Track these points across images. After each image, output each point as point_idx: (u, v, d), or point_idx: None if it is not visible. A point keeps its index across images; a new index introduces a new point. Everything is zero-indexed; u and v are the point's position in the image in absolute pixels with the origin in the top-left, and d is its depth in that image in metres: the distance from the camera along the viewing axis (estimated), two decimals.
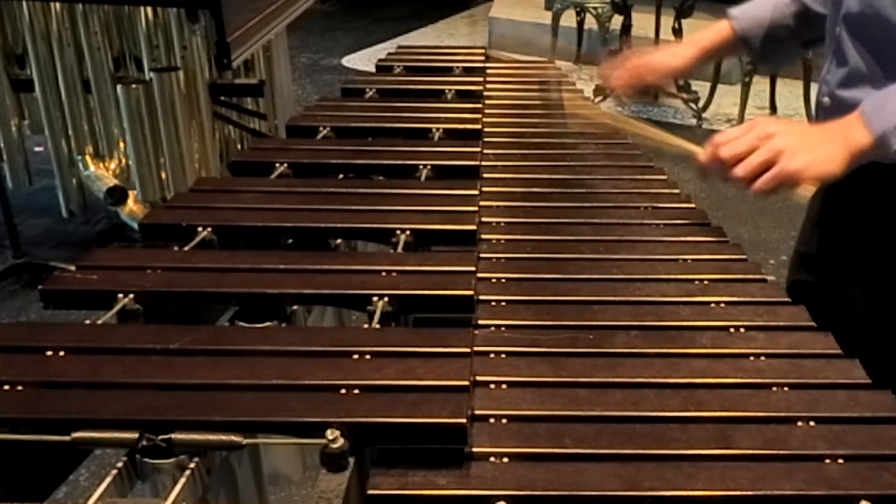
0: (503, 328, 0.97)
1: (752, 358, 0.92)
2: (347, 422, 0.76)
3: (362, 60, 5.86)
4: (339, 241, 1.21)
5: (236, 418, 0.77)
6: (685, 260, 1.15)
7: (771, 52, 1.47)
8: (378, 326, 0.96)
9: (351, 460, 0.77)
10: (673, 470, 0.75)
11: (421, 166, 1.38)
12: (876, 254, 1.28)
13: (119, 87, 2.61)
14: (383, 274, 1.05)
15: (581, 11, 5.29)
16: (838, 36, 1.25)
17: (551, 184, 1.40)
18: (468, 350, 0.87)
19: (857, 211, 1.32)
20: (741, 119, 4.50)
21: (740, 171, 1.12)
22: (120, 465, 0.75)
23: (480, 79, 1.89)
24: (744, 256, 1.16)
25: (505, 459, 0.76)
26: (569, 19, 5.36)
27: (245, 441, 0.76)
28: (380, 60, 2.07)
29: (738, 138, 1.13)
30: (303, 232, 1.20)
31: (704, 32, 1.52)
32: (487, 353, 0.92)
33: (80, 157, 2.83)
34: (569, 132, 1.64)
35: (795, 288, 1.46)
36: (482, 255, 1.14)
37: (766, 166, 1.10)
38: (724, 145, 1.14)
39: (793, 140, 1.11)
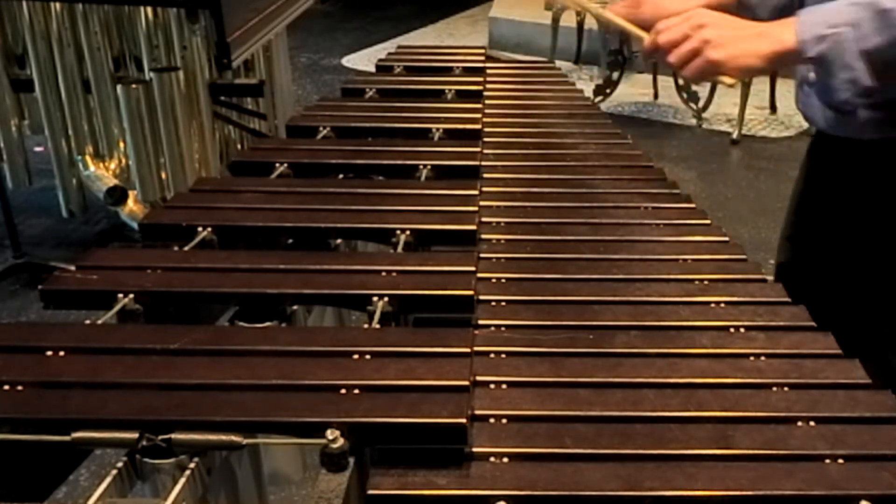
0: (503, 328, 0.97)
1: (752, 358, 0.92)
2: (347, 422, 0.76)
3: (362, 60, 5.86)
4: (339, 241, 1.21)
5: (236, 418, 0.77)
6: (685, 260, 1.15)
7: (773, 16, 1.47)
8: (378, 326, 0.96)
9: (351, 460, 0.77)
10: (673, 470, 0.75)
11: (421, 166, 1.38)
12: (854, 233, 1.33)
13: (119, 87, 2.61)
14: (383, 274, 1.05)
15: (581, 11, 5.28)
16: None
17: (551, 184, 1.40)
18: (468, 350, 0.87)
19: (836, 191, 1.35)
20: (741, 119, 4.50)
21: (672, 57, 1.19)
22: (120, 465, 0.75)
23: (480, 79, 1.89)
24: (744, 256, 1.16)
25: (505, 459, 0.76)
26: (569, 19, 5.36)
27: (245, 441, 0.76)
28: (380, 60, 2.07)
29: (675, 26, 1.19)
30: (303, 232, 1.20)
31: None
32: (487, 353, 0.91)
33: (80, 157, 2.83)
34: (569, 132, 1.64)
35: (781, 271, 1.50)
36: (482, 255, 1.14)
37: (695, 54, 1.16)
38: (663, 32, 1.21)
39: (721, 32, 1.16)
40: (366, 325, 0.96)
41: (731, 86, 1.20)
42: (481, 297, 1.03)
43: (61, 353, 0.87)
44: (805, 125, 1.69)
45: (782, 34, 1.14)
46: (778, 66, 1.18)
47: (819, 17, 1.12)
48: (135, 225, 2.78)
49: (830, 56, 1.11)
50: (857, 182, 1.30)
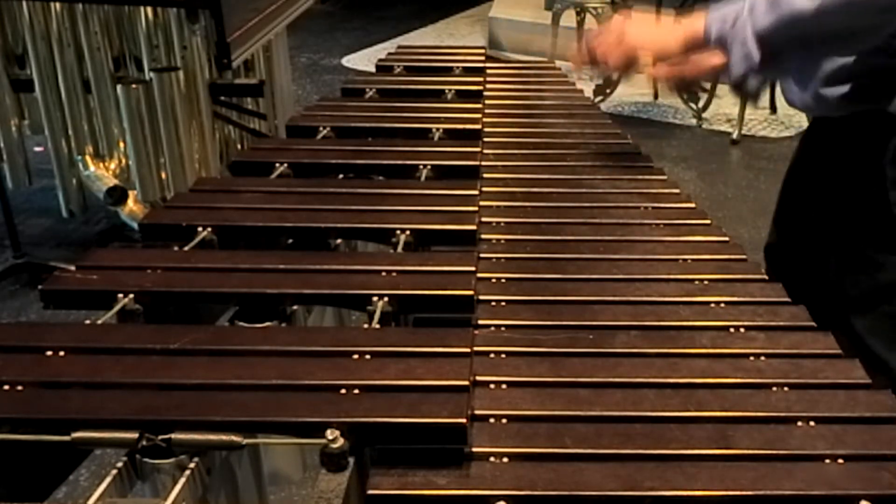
0: (503, 328, 0.97)
1: (752, 358, 0.92)
2: (347, 422, 0.76)
3: (362, 60, 5.86)
4: (339, 241, 1.21)
5: (236, 418, 0.77)
6: (685, 260, 1.15)
7: None
8: (378, 326, 0.96)
9: (351, 460, 0.77)
10: (673, 470, 0.75)
11: (421, 166, 1.38)
12: (831, 205, 1.37)
13: (119, 87, 2.61)
14: (383, 274, 1.05)
15: (581, 11, 5.28)
16: None
17: (551, 184, 1.39)
18: (468, 350, 0.87)
19: (816, 170, 1.41)
20: (741, 119, 4.50)
21: (599, 52, 1.35)
22: (120, 465, 0.75)
23: (480, 79, 1.89)
24: (744, 256, 1.16)
25: (505, 459, 0.76)
26: (569, 19, 5.36)
27: (245, 441, 0.76)
28: (380, 60, 2.06)
29: (601, 31, 1.37)
30: (303, 232, 1.20)
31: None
32: (487, 353, 0.91)
33: (80, 157, 2.83)
34: (569, 132, 1.64)
35: (769, 251, 1.55)
36: (482, 255, 1.14)
37: (617, 43, 1.32)
38: (591, 39, 1.37)
39: (640, 25, 1.34)
40: (366, 325, 0.96)
41: (647, 69, 1.32)
42: (481, 297, 1.03)
43: (61, 353, 0.87)
44: (805, 125, 1.71)
45: (694, 22, 1.27)
46: (690, 48, 1.27)
47: (725, 7, 1.24)
48: (135, 225, 2.78)
49: (729, 36, 1.22)
50: (835, 157, 1.36)
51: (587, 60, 1.38)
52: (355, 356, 0.86)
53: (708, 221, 1.26)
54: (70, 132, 2.75)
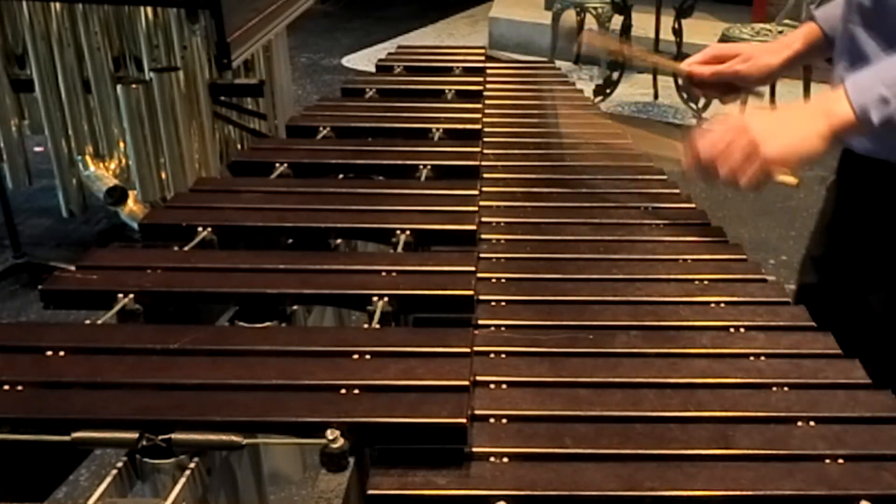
0: (503, 328, 0.97)
1: (752, 358, 0.92)
2: (347, 422, 0.76)
3: (362, 60, 5.86)
4: (339, 241, 1.21)
5: (236, 418, 0.77)
6: (685, 260, 1.15)
7: None
8: (378, 326, 0.96)
9: (351, 460, 0.77)
10: (673, 470, 0.75)
11: (421, 166, 1.38)
12: (891, 256, 1.26)
13: (119, 87, 2.61)
14: (383, 274, 1.05)
15: (581, 11, 5.28)
16: (852, 32, 1.23)
17: (551, 184, 1.39)
18: (468, 350, 0.87)
19: (872, 212, 1.30)
20: None
21: (725, 170, 1.08)
22: (120, 465, 0.75)
23: (480, 79, 1.89)
24: (744, 256, 1.16)
25: (505, 459, 0.76)
26: (568, 20, 5.36)
27: (245, 441, 0.76)
28: (380, 60, 2.07)
29: (713, 137, 1.10)
30: (303, 232, 1.20)
31: (793, 34, 1.45)
32: (487, 353, 0.91)
33: (80, 157, 2.83)
34: (569, 132, 1.63)
35: (804, 291, 1.45)
36: (482, 255, 1.14)
37: (748, 160, 1.07)
38: (703, 148, 1.11)
39: (768, 125, 1.08)
40: (366, 325, 0.96)
41: (797, 185, 1.10)
42: (481, 297, 1.03)
43: (61, 353, 0.87)
44: None
45: (835, 107, 1.05)
46: (839, 142, 1.09)
47: (871, 79, 1.05)
48: (135, 225, 2.78)
49: None
50: (879, 199, 1.25)
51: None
52: (355, 356, 0.86)
53: (708, 221, 1.26)
54: (70, 132, 2.75)
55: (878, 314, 1.30)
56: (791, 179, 1.08)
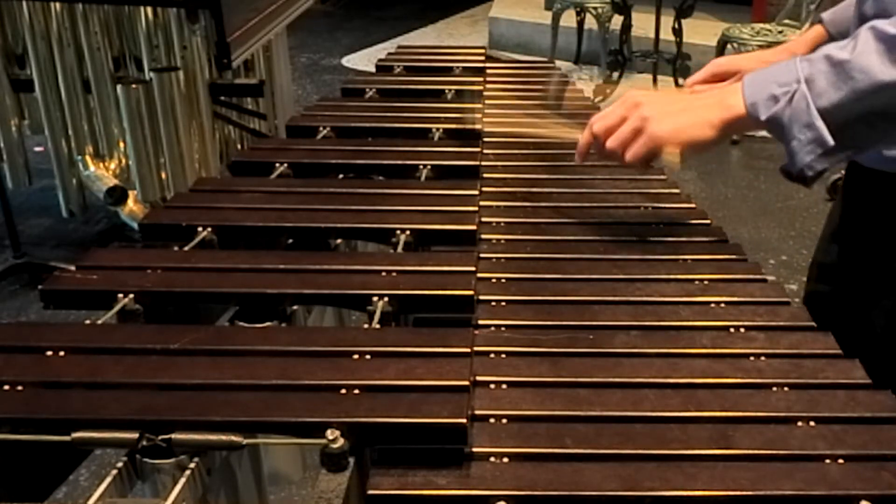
0: (503, 328, 0.97)
1: (752, 358, 0.92)
2: (347, 422, 0.76)
3: (362, 60, 5.86)
4: (339, 241, 1.21)
5: (236, 418, 0.77)
6: (685, 260, 1.15)
7: None
8: (378, 326, 0.96)
9: (351, 460, 0.77)
10: (673, 470, 0.75)
11: (421, 166, 1.38)
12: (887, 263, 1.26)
13: (119, 87, 2.61)
14: (383, 274, 1.05)
15: (581, 11, 5.29)
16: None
17: (551, 184, 1.39)
18: (468, 350, 0.87)
19: (879, 222, 1.29)
20: None
21: (612, 141, 1.10)
22: (120, 465, 0.75)
23: (480, 79, 1.89)
24: (744, 256, 1.16)
25: (505, 459, 0.76)
26: (569, 19, 5.36)
27: (245, 441, 0.76)
28: (380, 60, 2.07)
29: (608, 113, 1.11)
30: (303, 232, 1.20)
31: (798, 39, 1.43)
32: (487, 353, 0.91)
33: (80, 157, 2.83)
34: (561, 122, 1.63)
35: (813, 299, 1.44)
36: (482, 255, 1.14)
37: (636, 134, 1.07)
38: (596, 122, 1.13)
39: (660, 107, 1.08)
40: (366, 325, 0.96)
41: (677, 165, 1.08)
42: (481, 297, 1.03)
43: (61, 353, 0.87)
44: None
45: (729, 99, 1.05)
46: (729, 133, 1.07)
47: (768, 77, 1.03)
48: (135, 225, 2.78)
49: (786, 117, 1.00)
50: (885, 206, 1.24)
51: (595, 152, 1.16)
52: (355, 356, 0.86)
53: (708, 221, 1.26)
54: (70, 132, 2.76)
55: (883, 322, 1.29)
56: (675, 160, 1.07)
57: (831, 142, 0.98)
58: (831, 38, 1.36)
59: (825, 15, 1.39)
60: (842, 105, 0.98)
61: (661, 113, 1.07)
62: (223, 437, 0.75)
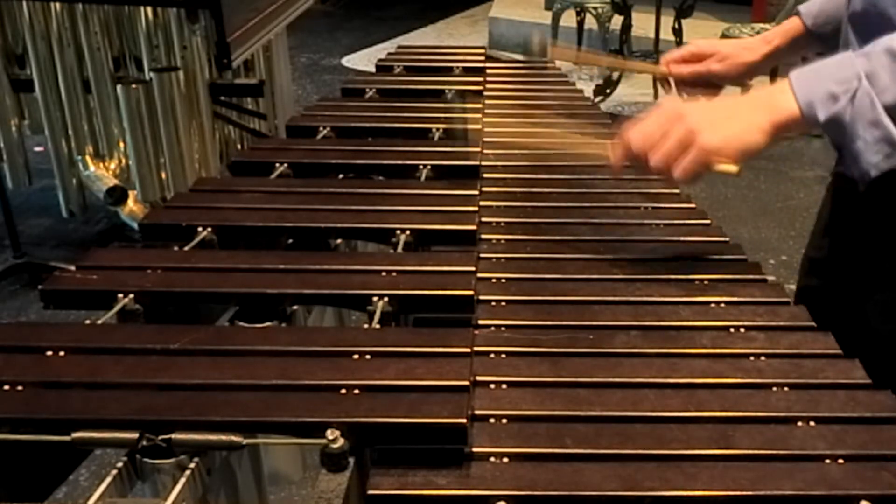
0: (503, 328, 0.97)
1: (752, 358, 0.92)
2: (347, 422, 0.76)
3: (362, 60, 5.86)
4: (339, 241, 1.21)
5: (236, 418, 0.77)
6: (685, 260, 1.15)
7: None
8: (378, 326, 0.96)
9: (351, 460, 0.77)
10: (673, 470, 0.75)
11: (421, 166, 1.38)
12: (887, 262, 1.24)
13: (119, 87, 2.61)
14: (383, 274, 1.05)
15: (581, 11, 5.29)
16: (847, 38, 1.21)
17: (551, 184, 1.39)
18: (468, 350, 0.87)
19: (869, 217, 1.28)
20: None
21: (657, 159, 1.00)
22: (120, 465, 0.75)
23: (480, 79, 1.89)
24: (744, 256, 1.16)
25: (505, 459, 0.76)
26: (569, 19, 5.36)
27: (245, 441, 0.76)
28: (380, 60, 2.06)
29: (646, 126, 1.03)
30: (303, 232, 1.20)
31: (775, 29, 1.41)
32: (487, 353, 0.91)
33: (80, 157, 2.83)
34: (569, 132, 1.63)
35: (805, 293, 1.43)
36: (482, 255, 1.14)
37: (684, 148, 0.99)
38: (634, 137, 1.03)
39: (707, 115, 1.01)
40: (366, 325, 0.96)
41: (737, 175, 1.01)
42: (481, 297, 1.03)
43: (61, 353, 0.87)
44: None
45: (779, 100, 0.99)
46: (781, 137, 1.00)
47: (821, 73, 0.98)
48: (135, 225, 2.78)
49: (849, 116, 0.95)
50: (880, 202, 1.21)
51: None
52: (355, 356, 0.86)
53: (708, 221, 1.26)
54: (70, 132, 2.76)
55: (877, 316, 1.29)
56: (732, 168, 1.01)
57: None
58: (807, 30, 1.37)
59: (802, 7, 1.39)
60: None
61: (707, 123, 1.00)
62: (223, 437, 0.75)
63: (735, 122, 1.00)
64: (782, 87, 1.00)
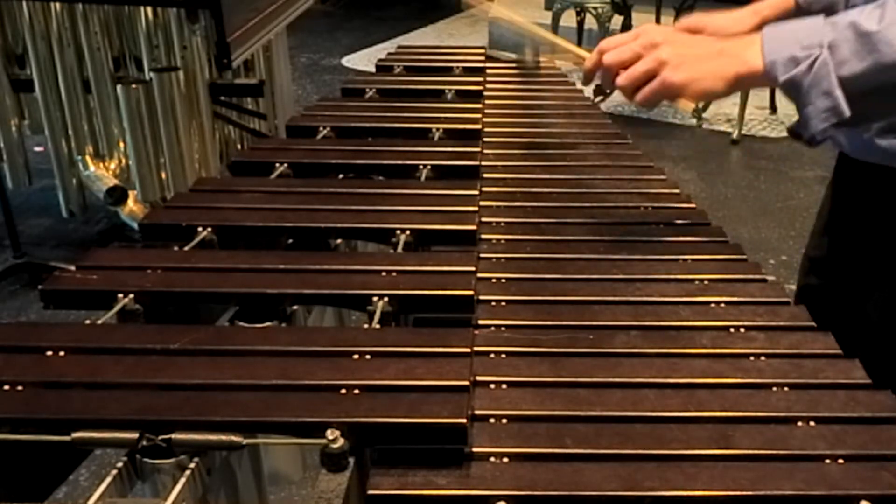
0: (503, 328, 0.97)
1: (752, 358, 0.92)
2: (347, 422, 0.76)
3: (362, 60, 5.86)
4: (339, 241, 1.21)
5: (236, 418, 0.77)
6: (685, 260, 1.15)
7: None
8: (378, 326, 0.96)
9: (351, 460, 0.77)
10: (673, 470, 0.75)
11: (421, 166, 1.38)
12: (887, 260, 1.25)
13: (119, 87, 2.61)
14: (383, 274, 1.05)
15: (581, 11, 5.29)
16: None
17: (551, 184, 1.39)
18: (468, 350, 0.87)
19: (868, 216, 1.29)
20: (741, 119, 4.50)
21: (623, 79, 1.06)
22: (120, 465, 0.75)
23: (480, 79, 1.89)
24: (744, 256, 1.16)
25: (505, 459, 0.76)
26: (569, 19, 5.36)
27: (245, 441, 0.76)
28: (380, 60, 2.07)
29: (622, 45, 1.07)
30: (303, 232, 1.20)
31: (764, 2, 1.41)
32: (487, 353, 0.91)
33: (80, 157, 2.83)
34: (569, 132, 1.64)
35: (805, 292, 1.44)
36: (482, 255, 1.14)
37: (649, 76, 1.04)
38: (608, 52, 1.08)
39: (679, 51, 1.04)
40: (366, 325, 0.96)
41: (689, 109, 1.11)
42: (481, 297, 1.03)
43: (61, 353, 0.87)
44: None
45: (747, 53, 1.02)
46: (741, 88, 1.06)
47: (790, 35, 1.01)
48: (135, 225, 2.78)
49: (806, 81, 0.99)
50: (878, 198, 1.24)
51: (598, 85, 1.13)
52: (355, 356, 0.86)
53: (708, 221, 1.26)
54: (70, 132, 2.76)
55: (877, 315, 1.29)
56: (688, 106, 1.08)
57: (848, 112, 0.98)
58: (798, 6, 1.35)
59: None
60: (863, 76, 0.97)
61: (677, 59, 1.03)
62: (223, 437, 0.75)
63: (703, 64, 1.04)
64: (753, 39, 1.03)
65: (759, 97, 4.66)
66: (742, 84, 1.04)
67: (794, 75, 0.99)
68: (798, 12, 1.36)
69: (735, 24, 1.39)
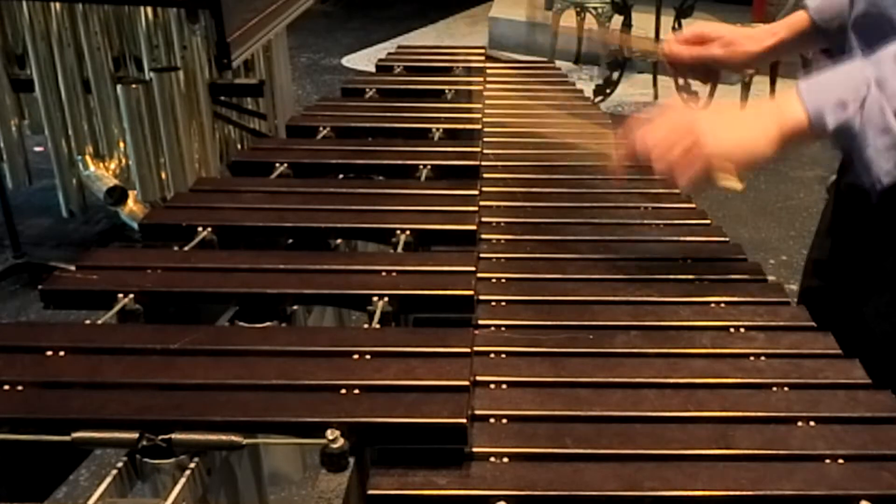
0: (503, 328, 0.97)
1: (752, 358, 0.92)
2: (347, 422, 0.76)
3: (362, 60, 5.86)
4: (339, 241, 1.21)
5: (236, 418, 0.77)
6: (685, 260, 1.15)
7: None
8: (378, 326, 0.96)
9: (351, 460, 0.77)
10: (673, 470, 0.75)
11: (421, 166, 1.38)
12: (888, 265, 1.23)
13: (119, 87, 2.61)
14: (383, 274, 1.05)
15: (581, 11, 5.29)
16: (850, 43, 1.19)
17: (551, 184, 1.40)
18: (468, 350, 0.87)
19: (870, 218, 1.27)
20: None
21: (661, 166, 1.00)
22: (120, 465, 0.75)
23: (480, 79, 1.89)
24: (744, 256, 1.16)
25: (505, 459, 0.76)
26: (569, 19, 5.36)
27: (245, 441, 0.76)
28: (380, 60, 2.07)
29: (654, 133, 1.02)
30: (303, 232, 1.20)
31: (781, 22, 1.39)
32: (487, 353, 0.92)
33: (80, 157, 2.83)
34: (569, 132, 1.63)
35: (808, 294, 1.42)
36: (482, 255, 1.14)
37: (690, 159, 0.98)
38: (641, 142, 1.03)
39: (713, 124, 1.00)
40: (366, 325, 0.96)
41: (741, 191, 1.00)
42: (481, 297, 1.03)
43: (61, 353, 0.87)
44: None
45: (787, 109, 0.97)
46: (787, 147, 0.99)
47: (830, 82, 0.98)
48: (135, 225, 2.78)
49: (858, 124, 0.94)
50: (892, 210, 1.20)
51: (637, 165, 1.06)
52: (355, 356, 0.86)
53: (708, 221, 1.26)
54: (70, 132, 2.75)
55: (877, 317, 1.29)
56: (736, 185, 0.99)
57: None
58: (814, 25, 1.34)
59: (810, 1, 1.36)
60: None
61: (714, 130, 0.99)
62: (223, 437, 0.75)
63: (742, 129, 0.99)
64: (790, 95, 0.99)
65: (759, 97, 4.66)
66: (788, 141, 0.99)
67: (846, 119, 0.95)
68: (814, 31, 1.35)
69: (750, 41, 1.38)
